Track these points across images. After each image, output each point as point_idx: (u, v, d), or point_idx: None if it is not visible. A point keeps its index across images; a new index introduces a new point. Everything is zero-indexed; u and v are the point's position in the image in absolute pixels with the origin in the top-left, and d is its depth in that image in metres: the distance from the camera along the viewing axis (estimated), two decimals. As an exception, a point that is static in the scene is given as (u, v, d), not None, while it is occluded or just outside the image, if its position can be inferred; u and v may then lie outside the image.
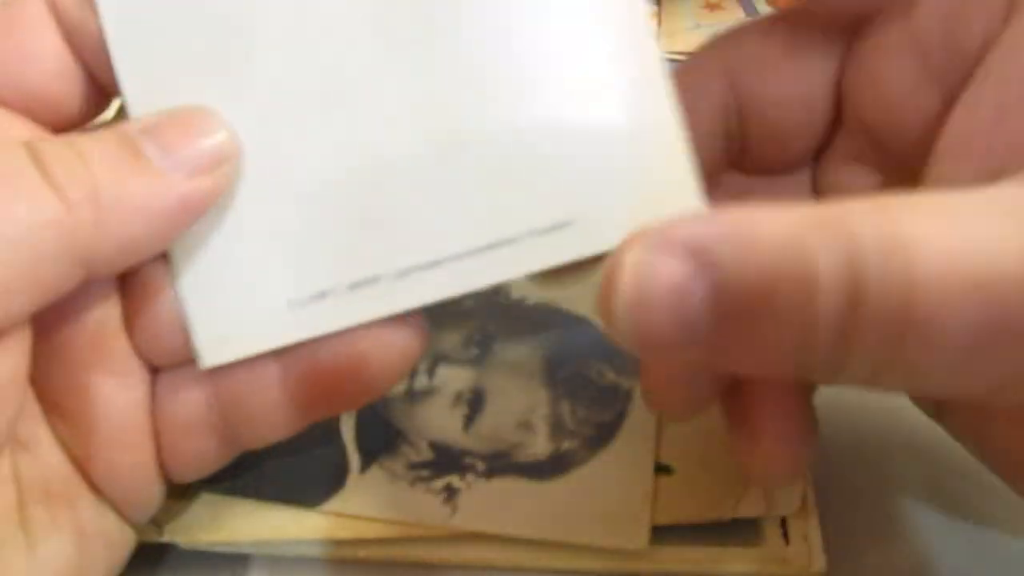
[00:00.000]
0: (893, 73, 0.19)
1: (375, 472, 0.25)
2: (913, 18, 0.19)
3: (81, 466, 0.20)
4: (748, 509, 0.24)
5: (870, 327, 0.13)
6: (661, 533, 0.24)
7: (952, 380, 0.13)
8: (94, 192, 0.16)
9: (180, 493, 0.25)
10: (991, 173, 0.14)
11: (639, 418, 0.26)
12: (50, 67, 0.19)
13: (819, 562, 0.24)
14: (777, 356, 0.14)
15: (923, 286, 0.12)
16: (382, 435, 0.26)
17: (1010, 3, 0.17)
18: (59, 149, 0.17)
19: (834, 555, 0.24)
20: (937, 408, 0.21)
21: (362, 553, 0.24)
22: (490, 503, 0.24)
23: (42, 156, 0.17)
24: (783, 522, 0.24)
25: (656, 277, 0.14)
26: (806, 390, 0.19)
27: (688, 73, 0.21)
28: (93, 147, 0.17)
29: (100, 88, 0.20)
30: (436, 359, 0.27)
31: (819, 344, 0.13)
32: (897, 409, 0.24)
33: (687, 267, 0.14)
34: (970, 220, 0.13)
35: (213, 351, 0.20)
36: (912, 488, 0.26)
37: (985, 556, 0.24)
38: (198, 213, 0.18)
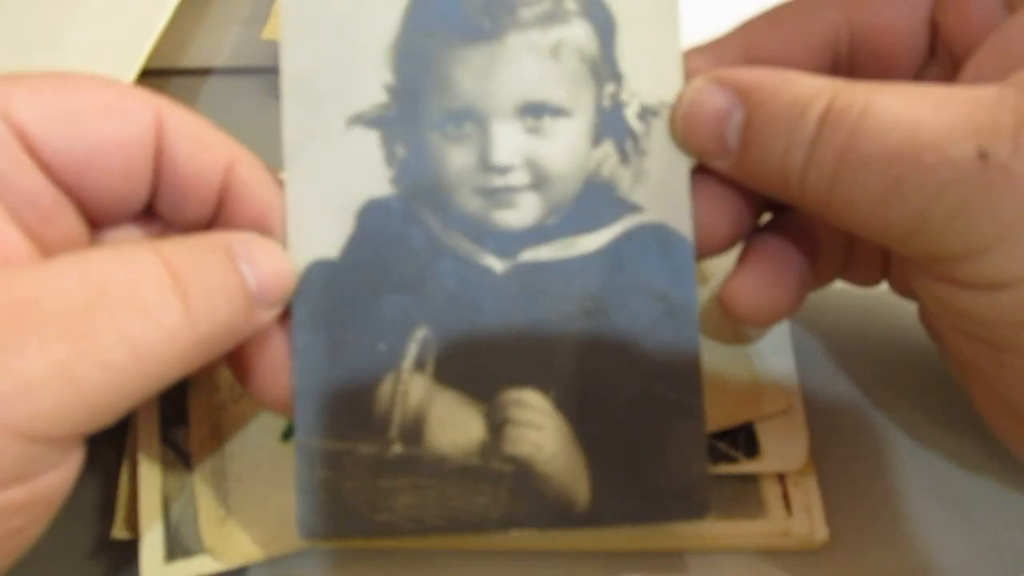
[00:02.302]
0: (977, 4, 0.22)
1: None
2: None
3: None
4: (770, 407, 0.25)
5: (828, 142, 0.18)
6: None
7: (878, 208, 0.18)
8: (215, 330, 0.18)
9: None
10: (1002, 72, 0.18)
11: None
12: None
13: (821, 532, 0.24)
14: (771, 168, 0.19)
15: (867, 123, 0.17)
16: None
17: None
18: (195, 272, 0.18)
19: (835, 526, 0.24)
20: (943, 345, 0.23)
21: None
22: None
23: (181, 278, 0.17)
24: (785, 494, 0.24)
25: (706, 103, 0.20)
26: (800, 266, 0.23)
27: (804, 3, 0.23)
28: (217, 275, 0.18)
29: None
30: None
31: (795, 158, 0.19)
32: (898, 406, 0.24)
33: (731, 99, 0.20)
34: (923, 102, 0.17)
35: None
36: (911, 471, 0.26)
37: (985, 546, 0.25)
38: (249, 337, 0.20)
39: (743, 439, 0.25)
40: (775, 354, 0.26)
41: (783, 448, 0.25)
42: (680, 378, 0.21)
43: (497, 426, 0.21)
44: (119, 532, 0.24)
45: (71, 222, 0.19)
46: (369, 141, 0.21)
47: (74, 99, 0.18)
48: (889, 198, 0.17)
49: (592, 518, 0.21)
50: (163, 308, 0.17)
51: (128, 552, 0.24)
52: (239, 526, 0.24)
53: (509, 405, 0.21)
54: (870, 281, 0.25)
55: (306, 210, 0.21)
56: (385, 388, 0.21)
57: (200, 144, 0.20)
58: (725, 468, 0.24)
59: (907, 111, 0.17)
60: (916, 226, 0.18)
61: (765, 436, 0.25)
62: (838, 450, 0.26)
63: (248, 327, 0.19)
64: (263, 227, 0.20)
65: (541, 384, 0.21)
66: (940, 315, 0.20)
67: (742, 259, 0.23)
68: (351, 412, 0.21)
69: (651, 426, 0.21)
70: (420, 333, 0.21)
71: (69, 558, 0.25)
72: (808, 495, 0.24)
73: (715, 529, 0.24)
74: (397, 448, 0.21)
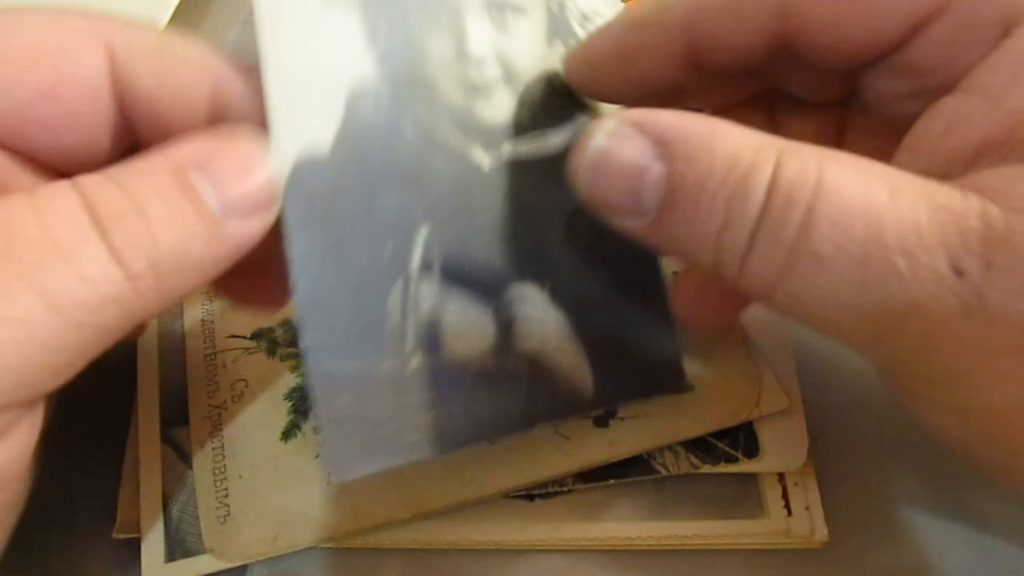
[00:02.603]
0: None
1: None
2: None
3: None
4: (770, 407, 0.25)
5: (779, 225, 0.15)
6: (665, 507, 0.24)
7: (838, 309, 0.15)
8: (156, 259, 0.15)
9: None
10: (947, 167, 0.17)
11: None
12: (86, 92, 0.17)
13: (821, 532, 0.24)
14: (701, 240, 0.16)
15: (824, 206, 0.15)
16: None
17: (1005, 28, 0.17)
18: (117, 203, 0.15)
19: (835, 526, 0.24)
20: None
21: (360, 541, 0.24)
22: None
23: (101, 214, 0.15)
24: (785, 494, 0.24)
25: (621, 153, 0.17)
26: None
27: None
28: (151, 197, 0.15)
29: (125, 132, 0.18)
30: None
31: (736, 237, 0.16)
32: (897, 406, 0.24)
33: (650, 150, 0.17)
34: (882, 190, 0.15)
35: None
36: (911, 470, 0.26)
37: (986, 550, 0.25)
38: (242, 254, 0.17)
39: (743, 439, 0.25)
40: (775, 354, 0.26)
41: (783, 448, 0.25)
42: (646, 263, 0.22)
43: (507, 324, 0.21)
44: (120, 532, 0.24)
45: (25, 183, 0.17)
46: (350, 20, 0.20)
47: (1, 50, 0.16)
48: (847, 306, 0.15)
49: (600, 401, 0.22)
50: (96, 267, 0.14)
51: (130, 551, 0.24)
52: (239, 525, 0.24)
53: (515, 302, 0.21)
54: None
55: (289, 98, 0.19)
56: (395, 295, 0.20)
57: (169, 72, 0.17)
58: (725, 468, 0.25)
59: (864, 195, 0.15)
60: (880, 335, 0.15)
61: (765, 436, 0.25)
62: (838, 450, 0.26)
63: (222, 250, 0.16)
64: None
65: (538, 278, 0.21)
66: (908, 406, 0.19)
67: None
68: (363, 326, 0.19)
69: (629, 309, 0.22)
70: (424, 231, 0.20)
71: (70, 557, 0.25)
72: (808, 495, 0.24)
73: (715, 529, 0.24)
74: (417, 360, 0.20)
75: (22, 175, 0.17)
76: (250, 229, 0.17)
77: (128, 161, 0.16)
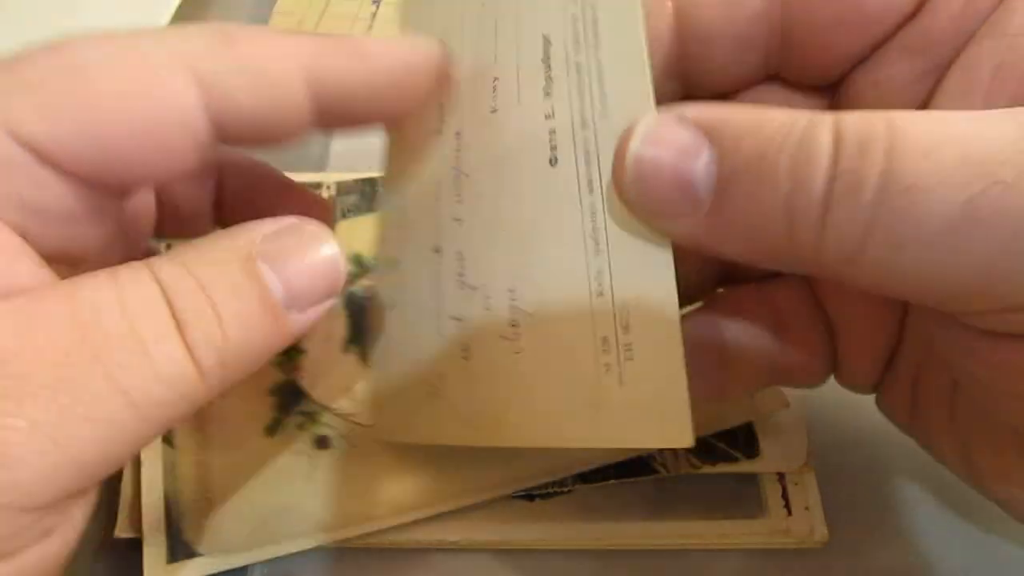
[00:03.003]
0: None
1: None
2: None
3: None
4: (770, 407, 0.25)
5: (854, 172, 0.14)
6: (665, 507, 0.24)
7: (930, 265, 0.14)
8: (225, 355, 0.15)
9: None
10: None
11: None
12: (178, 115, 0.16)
13: (821, 531, 0.24)
14: (768, 214, 0.15)
15: (907, 157, 0.13)
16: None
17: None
18: (194, 297, 0.15)
19: (835, 525, 0.24)
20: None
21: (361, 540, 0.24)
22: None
23: (178, 307, 0.15)
24: (784, 493, 0.24)
25: (663, 146, 0.16)
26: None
27: None
28: (223, 291, 0.15)
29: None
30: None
31: (810, 193, 0.14)
32: None
33: (695, 136, 0.15)
34: (957, 119, 0.14)
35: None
36: (911, 470, 0.26)
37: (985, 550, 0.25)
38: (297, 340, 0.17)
39: (743, 439, 0.25)
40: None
41: (783, 448, 0.25)
42: None
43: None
44: (122, 531, 0.24)
45: (102, 214, 0.17)
46: None
47: (87, 95, 0.15)
48: (957, 233, 0.13)
49: None
50: (160, 345, 0.14)
51: (132, 550, 0.24)
52: (222, 518, 0.24)
53: None
54: (811, 382, 0.22)
55: None
56: None
57: (259, 74, 0.17)
58: (725, 468, 0.25)
59: (942, 126, 0.14)
60: (989, 268, 0.14)
61: (765, 436, 0.25)
62: (838, 450, 0.26)
63: (280, 339, 0.16)
64: (374, 106, 0.18)
65: None
66: (1001, 389, 0.17)
67: None
68: None
69: None
70: None
71: (72, 557, 0.25)
72: (807, 494, 0.24)
73: (715, 528, 0.24)
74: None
75: (97, 203, 0.17)
76: (309, 318, 0.17)
77: (200, 243, 0.16)
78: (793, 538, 0.24)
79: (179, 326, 0.15)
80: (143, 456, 0.25)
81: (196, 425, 0.25)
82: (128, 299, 0.15)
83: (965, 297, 0.14)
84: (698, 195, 0.16)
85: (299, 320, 0.17)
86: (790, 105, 0.20)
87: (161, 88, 0.16)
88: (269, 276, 0.16)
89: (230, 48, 0.17)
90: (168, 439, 0.25)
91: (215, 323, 0.15)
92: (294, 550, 0.24)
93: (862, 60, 0.19)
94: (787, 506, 0.24)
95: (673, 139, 0.16)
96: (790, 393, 0.26)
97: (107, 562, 0.25)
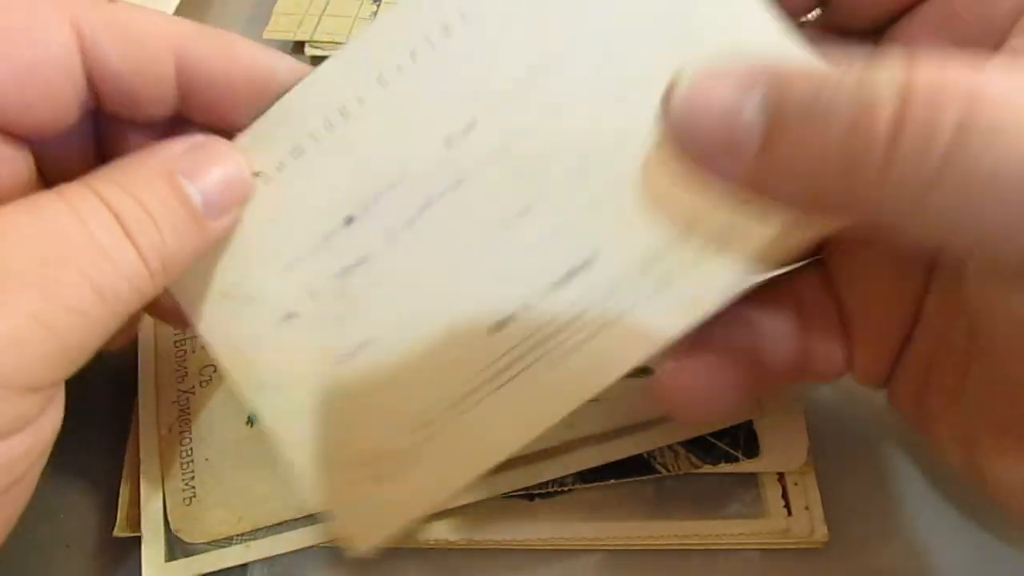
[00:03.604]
0: None
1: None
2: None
3: None
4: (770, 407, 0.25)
5: (930, 107, 0.13)
6: (665, 507, 0.24)
7: (1001, 214, 0.13)
8: (166, 258, 0.18)
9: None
10: None
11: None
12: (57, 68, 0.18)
13: (821, 531, 0.24)
14: (824, 155, 0.14)
15: (987, 104, 0.13)
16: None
17: None
18: (134, 210, 0.18)
19: (835, 525, 0.24)
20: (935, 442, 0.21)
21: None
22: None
23: (125, 220, 0.18)
24: (784, 493, 0.24)
25: (714, 80, 0.15)
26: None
27: None
28: (156, 205, 0.18)
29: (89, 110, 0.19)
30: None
31: (873, 133, 0.13)
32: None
33: (747, 75, 0.15)
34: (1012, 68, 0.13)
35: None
36: (911, 470, 0.26)
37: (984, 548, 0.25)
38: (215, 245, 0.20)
39: (743, 439, 0.25)
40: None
41: (783, 447, 0.25)
42: None
43: None
44: (121, 530, 0.24)
45: (14, 160, 0.19)
46: None
47: None
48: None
49: None
50: (118, 250, 0.17)
51: (131, 550, 0.24)
52: (205, 507, 0.24)
53: None
54: (831, 375, 0.22)
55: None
56: None
57: (134, 40, 0.19)
58: (725, 468, 0.25)
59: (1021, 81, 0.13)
60: None
61: (765, 436, 0.25)
62: (838, 449, 0.26)
63: (203, 243, 0.19)
64: (233, 101, 0.20)
65: None
66: None
67: (680, 348, 0.20)
68: None
69: None
70: None
71: (71, 557, 0.25)
72: (807, 494, 0.24)
73: (715, 528, 0.24)
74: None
75: (12, 158, 0.19)
76: (225, 223, 0.20)
77: (124, 163, 0.19)
78: (793, 538, 0.24)
79: (128, 235, 0.17)
80: (142, 456, 0.25)
81: (179, 416, 0.26)
82: (82, 213, 0.17)
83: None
84: (748, 135, 0.15)
85: (216, 226, 0.19)
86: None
87: (44, 31, 0.18)
88: (190, 189, 0.19)
89: (109, 10, 0.19)
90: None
91: (155, 232, 0.18)
92: (291, 548, 0.24)
93: (896, 16, 0.19)
94: (787, 506, 0.24)
95: (723, 78, 0.15)
96: (791, 393, 0.26)
97: (107, 562, 0.25)
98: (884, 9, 0.19)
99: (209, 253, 0.20)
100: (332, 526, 0.21)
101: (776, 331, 0.21)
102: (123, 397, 0.26)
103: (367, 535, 0.21)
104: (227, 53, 0.20)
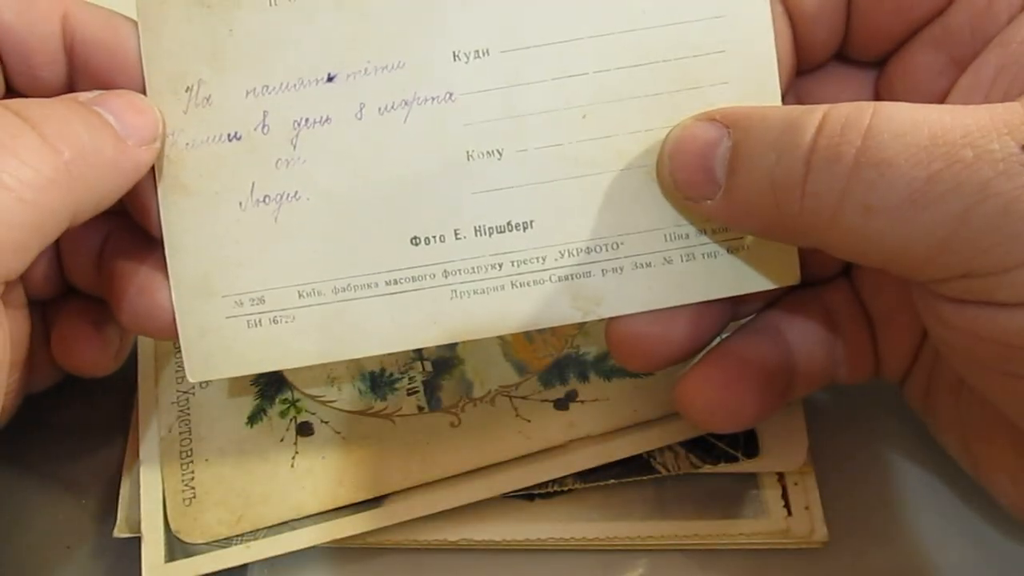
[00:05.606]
0: None
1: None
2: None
3: None
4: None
5: (836, 145, 0.16)
6: (665, 507, 0.24)
7: (896, 233, 0.16)
8: (81, 148, 0.18)
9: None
10: None
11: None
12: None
13: (821, 531, 0.24)
14: (761, 184, 0.17)
15: (882, 123, 0.16)
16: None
17: None
18: (41, 110, 0.18)
19: (835, 526, 0.24)
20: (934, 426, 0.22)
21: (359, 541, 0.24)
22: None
23: (28, 115, 0.18)
24: (784, 493, 0.24)
25: (695, 137, 0.19)
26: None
27: None
28: (68, 111, 0.18)
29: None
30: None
31: (792, 164, 0.17)
32: (897, 405, 0.24)
33: (719, 127, 0.18)
34: (942, 109, 0.16)
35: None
36: (910, 470, 0.26)
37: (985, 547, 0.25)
38: (140, 177, 0.20)
39: (743, 439, 0.25)
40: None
41: (783, 448, 0.25)
42: None
43: None
44: (121, 531, 0.24)
45: None
46: None
47: None
48: (917, 204, 0.15)
49: None
50: (34, 153, 0.17)
51: (131, 550, 0.24)
52: (204, 507, 0.24)
53: None
54: (859, 379, 0.23)
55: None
56: None
57: (24, 5, 0.20)
58: (725, 468, 0.25)
59: (923, 113, 0.16)
60: (947, 237, 0.15)
61: (765, 436, 0.25)
62: (838, 450, 0.26)
63: (127, 163, 0.19)
64: (119, 71, 0.20)
65: None
66: (969, 356, 0.18)
67: (704, 356, 0.22)
68: None
69: None
70: None
71: (72, 556, 0.25)
72: (807, 494, 0.24)
73: (715, 528, 0.24)
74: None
75: None
76: (144, 155, 0.20)
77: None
78: (793, 538, 0.24)
79: (32, 125, 0.17)
80: (142, 456, 0.25)
81: (179, 417, 0.26)
82: None
83: (928, 264, 0.16)
84: (717, 178, 0.18)
85: (140, 152, 0.19)
86: (845, 85, 0.22)
87: None
88: (104, 114, 0.19)
89: None
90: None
91: (66, 123, 0.18)
92: (291, 548, 0.24)
93: (901, 44, 0.21)
94: (787, 506, 0.24)
95: (701, 131, 0.19)
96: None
97: (107, 562, 0.25)
98: (895, 40, 0.21)
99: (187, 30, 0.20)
100: (178, 343, 0.21)
101: (808, 340, 0.22)
102: (123, 397, 0.26)
103: (210, 368, 0.21)
104: (110, 21, 0.20)
